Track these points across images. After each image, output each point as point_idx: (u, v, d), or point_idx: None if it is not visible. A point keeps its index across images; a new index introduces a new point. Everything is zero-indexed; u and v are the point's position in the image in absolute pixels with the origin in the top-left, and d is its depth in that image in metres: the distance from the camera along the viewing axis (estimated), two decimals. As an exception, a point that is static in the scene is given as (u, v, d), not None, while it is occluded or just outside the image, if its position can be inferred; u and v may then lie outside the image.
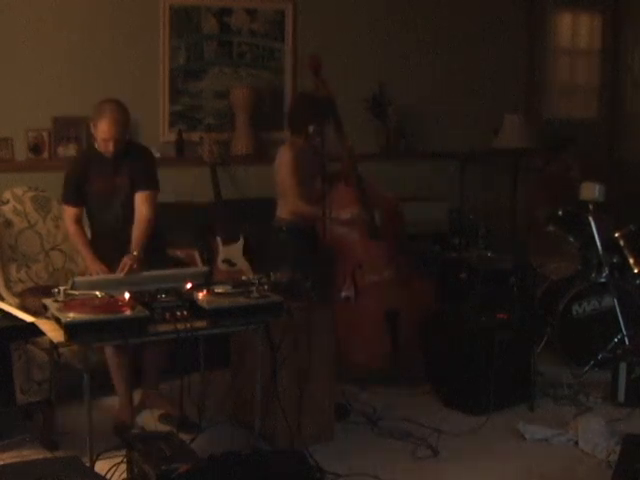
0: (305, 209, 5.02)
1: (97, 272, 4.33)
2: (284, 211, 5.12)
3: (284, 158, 5.07)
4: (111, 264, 4.33)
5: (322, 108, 5.08)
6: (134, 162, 4.47)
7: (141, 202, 4.43)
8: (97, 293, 3.73)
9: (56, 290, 3.72)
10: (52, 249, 5.01)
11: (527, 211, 6.42)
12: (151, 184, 4.49)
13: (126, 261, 4.21)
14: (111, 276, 4.15)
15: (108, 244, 4.44)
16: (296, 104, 5.47)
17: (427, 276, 5.45)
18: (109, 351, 4.33)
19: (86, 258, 4.46)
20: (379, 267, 5.18)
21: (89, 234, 4.58)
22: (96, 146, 4.45)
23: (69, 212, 4.51)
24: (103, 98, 4.47)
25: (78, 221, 4.50)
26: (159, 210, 4.56)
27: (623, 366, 4.83)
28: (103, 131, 4.34)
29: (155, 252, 4.45)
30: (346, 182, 5.18)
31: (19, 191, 5.04)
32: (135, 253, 4.27)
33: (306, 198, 5.01)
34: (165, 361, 4.53)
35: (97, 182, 4.45)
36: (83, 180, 4.46)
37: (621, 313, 5.30)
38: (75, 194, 4.48)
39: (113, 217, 4.48)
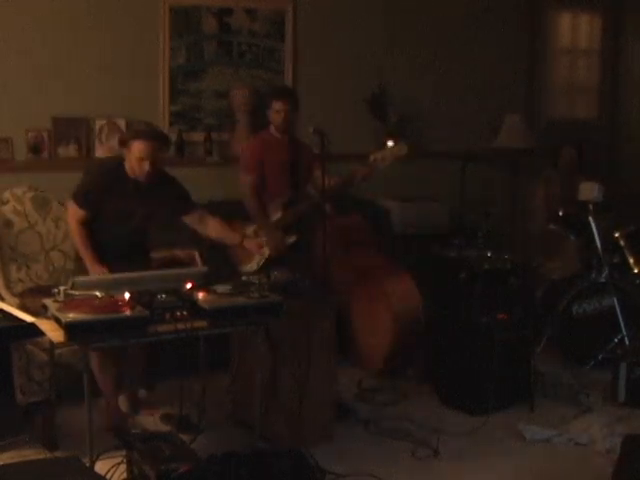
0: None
1: (99, 274, 4.24)
2: None
3: None
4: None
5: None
6: (164, 191, 4.40)
7: (199, 220, 4.52)
8: (97, 293, 3.73)
9: (56, 290, 3.71)
10: (52, 249, 5.01)
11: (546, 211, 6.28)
12: (195, 204, 4.55)
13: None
14: (111, 276, 4.14)
15: (111, 257, 4.36)
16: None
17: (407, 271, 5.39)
18: (94, 355, 4.16)
19: (87, 259, 4.36)
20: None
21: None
22: (126, 168, 4.32)
23: (76, 213, 4.38)
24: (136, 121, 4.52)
25: (83, 223, 4.37)
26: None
27: (623, 366, 4.83)
28: (139, 150, 4.21)
29: (139, 254, 4.47)
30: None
31: (19, 191, 5.03)
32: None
33: None
34: (145, 363, 4.55)
35: (118, 202, 4.33)
36: (104, 194, 4.33)
37: (621, 313, 5.30)
38: (90, 202, 4.34)
39: (123, 236, 4.39)
